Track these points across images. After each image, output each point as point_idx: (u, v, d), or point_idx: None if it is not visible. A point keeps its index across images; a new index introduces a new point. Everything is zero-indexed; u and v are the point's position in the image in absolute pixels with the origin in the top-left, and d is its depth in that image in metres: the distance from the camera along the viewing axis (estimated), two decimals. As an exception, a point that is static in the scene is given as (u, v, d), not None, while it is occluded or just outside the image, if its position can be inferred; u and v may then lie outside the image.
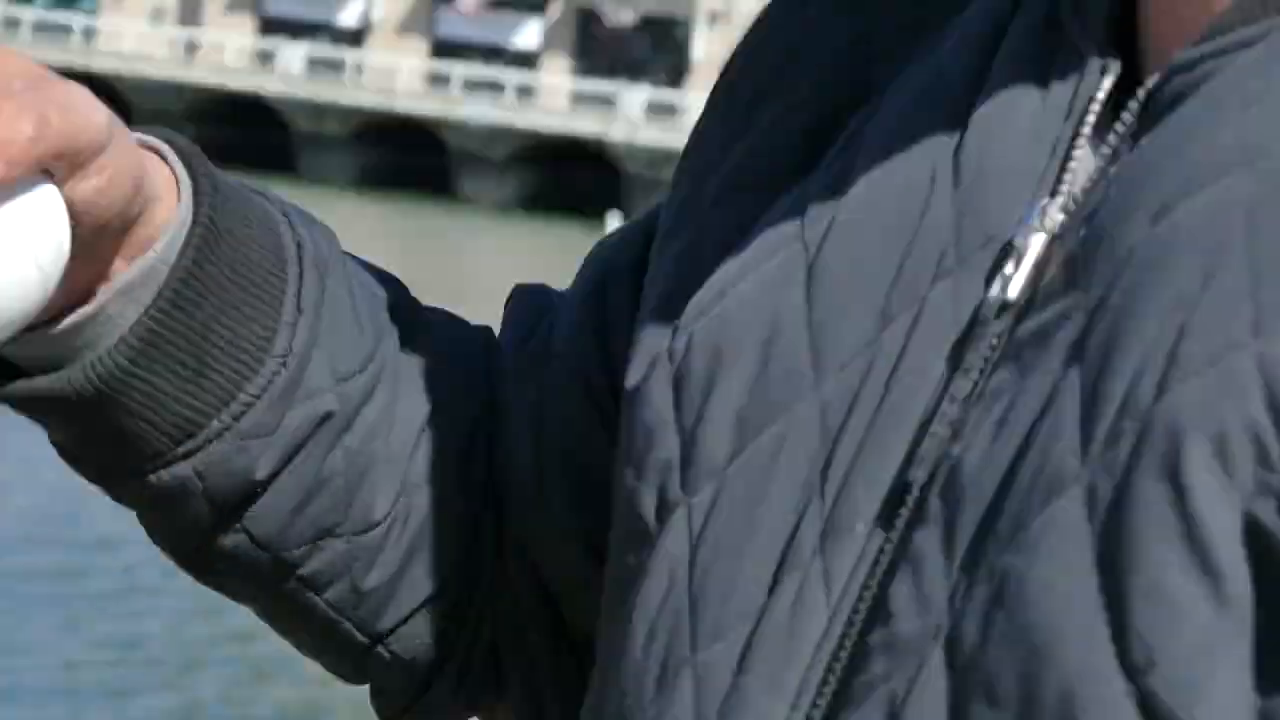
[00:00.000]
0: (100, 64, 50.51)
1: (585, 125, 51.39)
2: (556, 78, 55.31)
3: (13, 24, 53.62)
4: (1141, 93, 0.67)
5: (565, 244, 37.61)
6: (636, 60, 55.27)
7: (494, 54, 55.96)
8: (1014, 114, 0.70)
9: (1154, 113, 0.66)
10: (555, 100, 54.10)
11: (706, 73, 48.86)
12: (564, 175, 50.21)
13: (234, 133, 49.08)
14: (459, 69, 54.26)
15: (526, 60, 55.72)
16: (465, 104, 52.71)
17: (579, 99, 54.10)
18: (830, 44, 0.82)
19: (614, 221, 40.90)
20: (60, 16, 57.06)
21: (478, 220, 47.25)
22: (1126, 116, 0.67)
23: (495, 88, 54.07)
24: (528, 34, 56.80)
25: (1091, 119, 0.68)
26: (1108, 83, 0.68)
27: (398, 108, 52.89)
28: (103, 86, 46.53)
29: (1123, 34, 0.70)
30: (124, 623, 15.81)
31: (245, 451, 0.82)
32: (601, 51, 55.52)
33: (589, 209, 42.67)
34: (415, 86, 54.76)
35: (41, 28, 54.87)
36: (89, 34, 55.53)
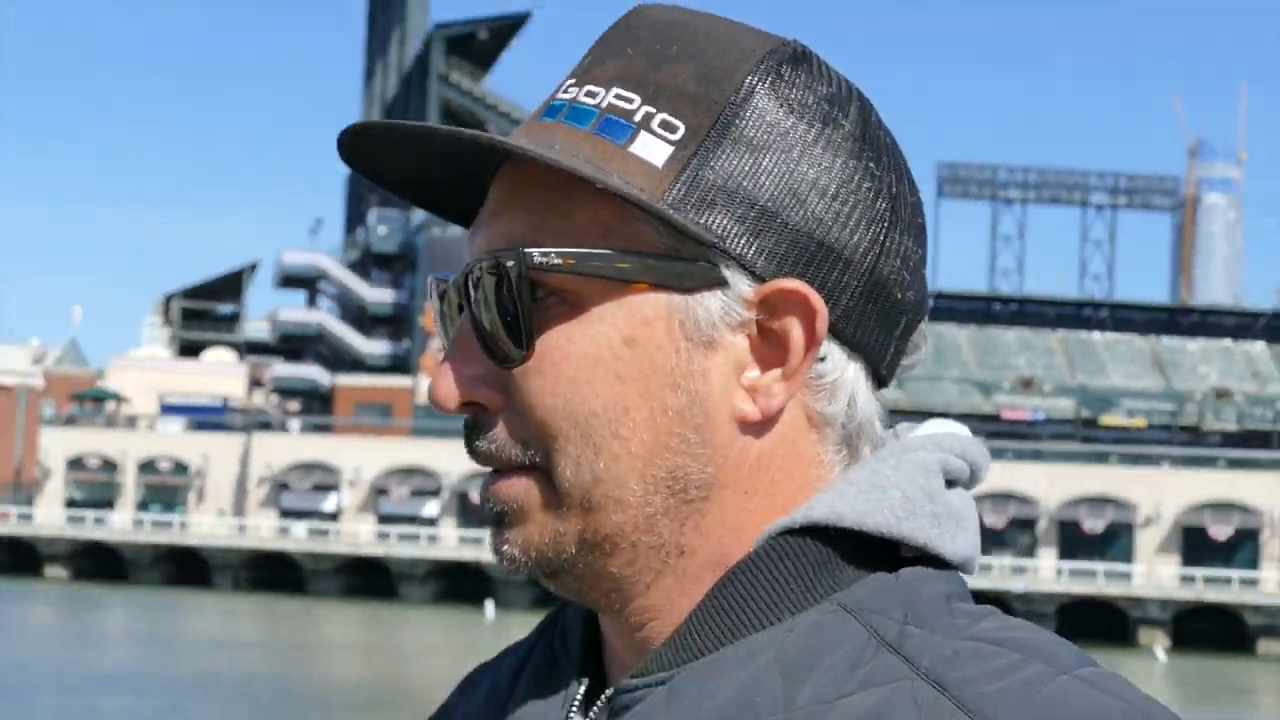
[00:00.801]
0: (189, 540, 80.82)
1: (467, 555, 79.36)
2: (449, 530, 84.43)
3: (139, 523, 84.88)
4: (602, 699, 0.97)
5: (462, 621, 65.35)
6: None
7: (412, 520, 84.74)
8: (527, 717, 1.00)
9: (616, 712, 0.94)
10: (450, 541, 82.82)
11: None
12: (460, 583, 77.44)
13: (266, 575, 78.34)
14: (394, 529, 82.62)
15: (431, 522, 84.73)
16: (399, 546, 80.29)
17: (462, 540, 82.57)
18: None
19: (489, 606, 72.78)
20: (167, 517, 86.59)
21: (410, 610, 73.16)
22: (593, 713, 0.97)
23: (414, 537, 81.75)
24: (431, 507, 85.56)
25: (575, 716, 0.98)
26: (580, 690, 0.99)
27: (362, 552, 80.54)
28: (194, 554, 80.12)
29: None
30: None
31: None
32: (475, 512, 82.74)
33: (475, 601, 69.33)
34: (370, 539, 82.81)
35: (156, 525, 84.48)
36: (184, 525, 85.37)
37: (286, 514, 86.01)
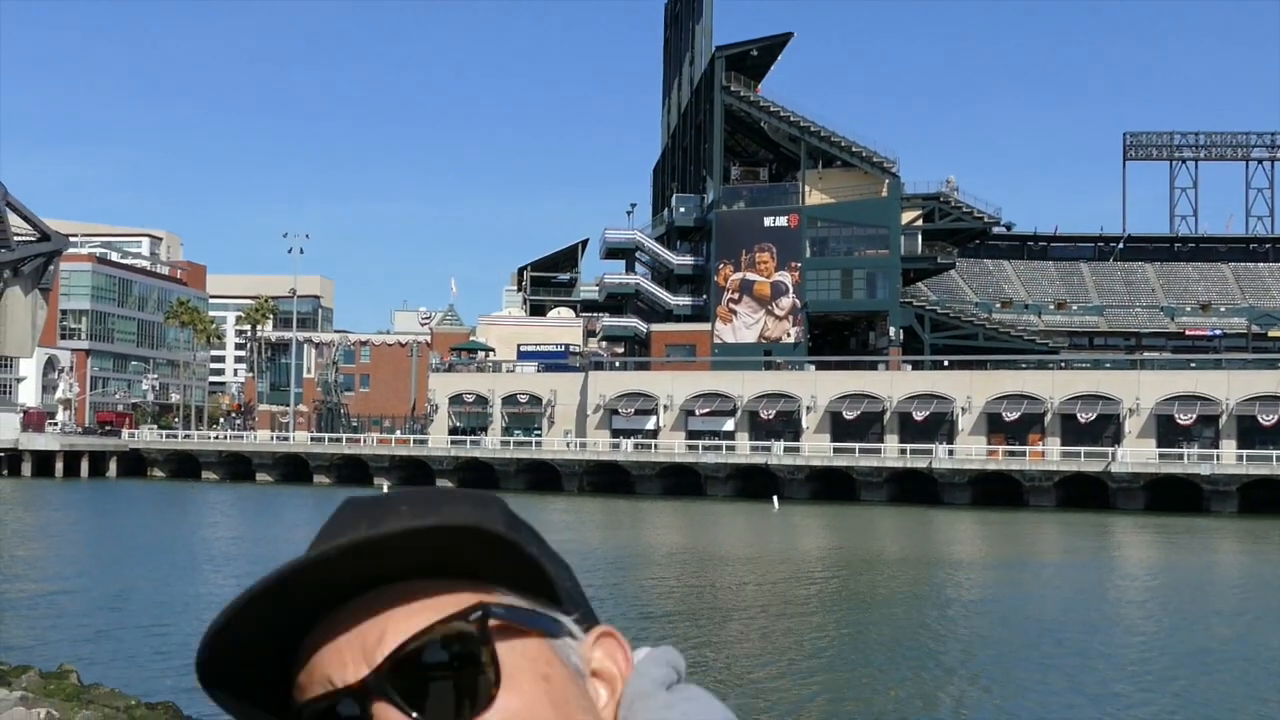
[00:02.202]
0: (543, 455, 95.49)
1: (758, 460, 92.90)
2: (743, 440, 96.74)
3: (505, 444, 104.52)
4: None
5: (755, 512, 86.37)
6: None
7: (714, 434, 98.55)
8: None
9: None
10: (744, 449, 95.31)
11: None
12: (752, 482, 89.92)
13: (603, 480, 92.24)
14: (700, 441, 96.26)
15: (729, 435, 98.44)
16: (705, 455, 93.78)
17: (754, 449, 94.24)
18: None
19: (775, 501, 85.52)
20: (526, 439, 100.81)
21: (715, 505, 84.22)
22: None
23: (716, 447, 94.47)
24: (728, 424, 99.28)
25: None
26: None
27: (676, 459, 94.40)
28: (547, 465, 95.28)
29: None
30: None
31: None
32: (763, 426, 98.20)
33: (764, 497, 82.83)
34: (682, 450, 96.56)
35: (518, 444, 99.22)
36: (538, 444, 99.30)
37: (617, 433, 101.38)
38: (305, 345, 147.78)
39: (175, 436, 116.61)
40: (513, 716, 1.10)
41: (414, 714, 1.08)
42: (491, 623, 1.13)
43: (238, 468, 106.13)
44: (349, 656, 1.12)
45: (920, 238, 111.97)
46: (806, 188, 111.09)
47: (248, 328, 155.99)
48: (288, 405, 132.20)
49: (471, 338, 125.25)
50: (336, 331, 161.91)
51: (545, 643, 1.16)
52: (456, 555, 1.14)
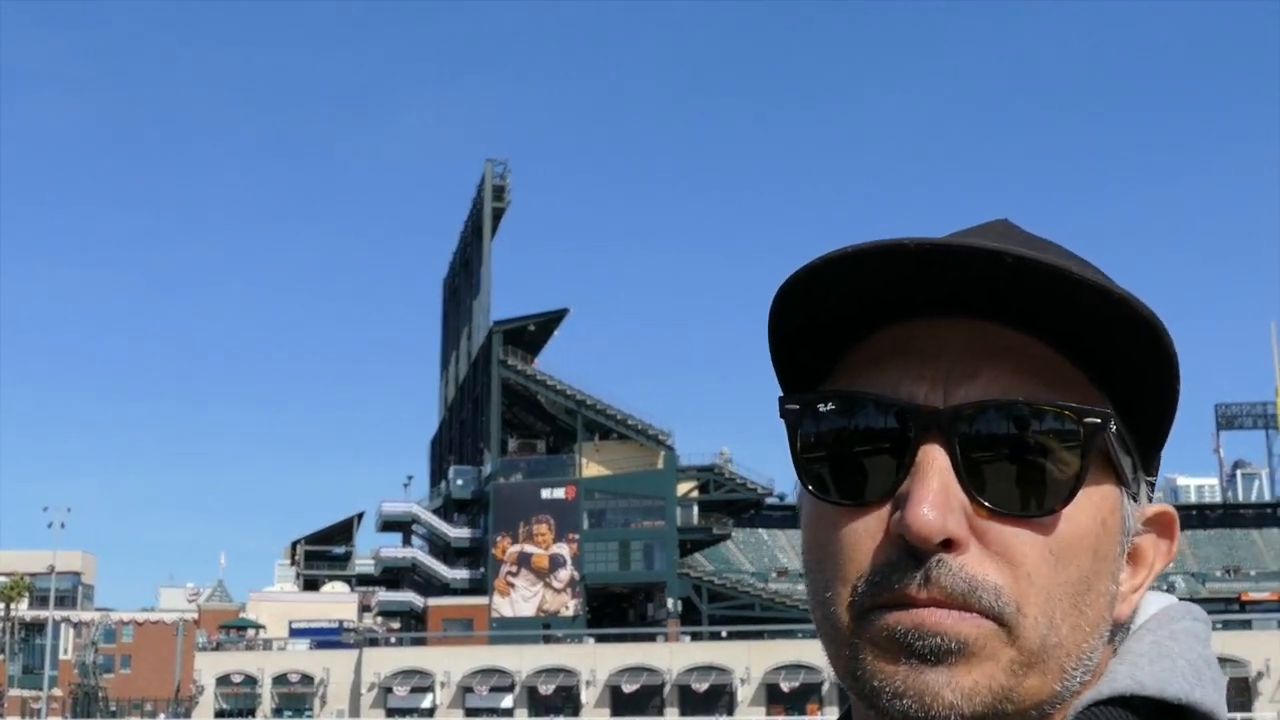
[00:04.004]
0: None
1: None
2: (520, 717, 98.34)
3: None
4: None
5: None
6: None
7: (493, 711, 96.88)
8: None
9: None
10: None
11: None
12: None
13: None
14: None
15: (508, 713, 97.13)
16: None
17: None
18: None
19: None
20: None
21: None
22: None
23: None
24: (507, 700, 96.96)
25: None
26: None
27: None
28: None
29: None
30: None
31: None
32: (541, 703, 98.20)
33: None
34: None
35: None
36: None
37: (392, 712, 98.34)
38: (63, 625, 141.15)
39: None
40: (1061, 539, 0.99)
41: (964, 470, 0.99)
42: (1104, 435, 1.01)
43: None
44: (929, 374, 1.02)
45: (696, 509, 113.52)
46: (584, 460, 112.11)
47: (1, 607, 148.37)
48: (41, 690, 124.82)
49: (241, 614, 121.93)
50: (98, 609, 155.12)
51: (1119, 488, 1.05)
52: (1097, 340, 1.02)
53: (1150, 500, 1.10)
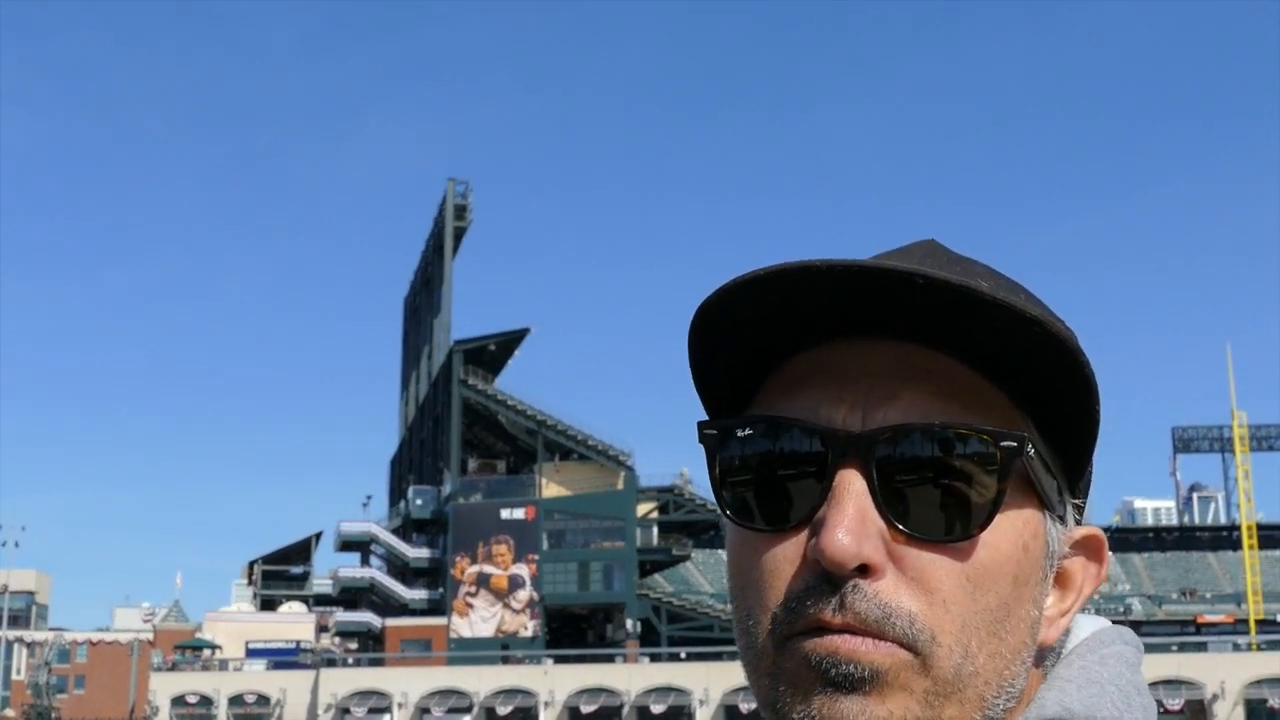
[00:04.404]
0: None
1: None
2: None
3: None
4: None
5: None
6: None
7: None
8: None
9: None
10: None
11: None
12: None
13: None
14: None
15: None
16: None
17: None
18: None
19: None
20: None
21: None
22: None
23: None
24: None
25: None
26: None
27: None
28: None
29: None
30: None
31: None
32: None
33: None
34: None
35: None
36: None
37: None
38: (16, 644, 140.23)
39: None
40: (979, 566, 0.98)
41: (881, 495, 0.98)
42: (1022, 458, 0.99)
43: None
44: (849, 397, 1.02)
45: (656, 529, 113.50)
46: (544, 480, 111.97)
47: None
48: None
49: (197, 634, 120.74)
50: (51, 629, 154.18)
51: (1041, 511, 1.04)
52: (1014, 361, 1.00)
53: (1079, 523, 1.09)
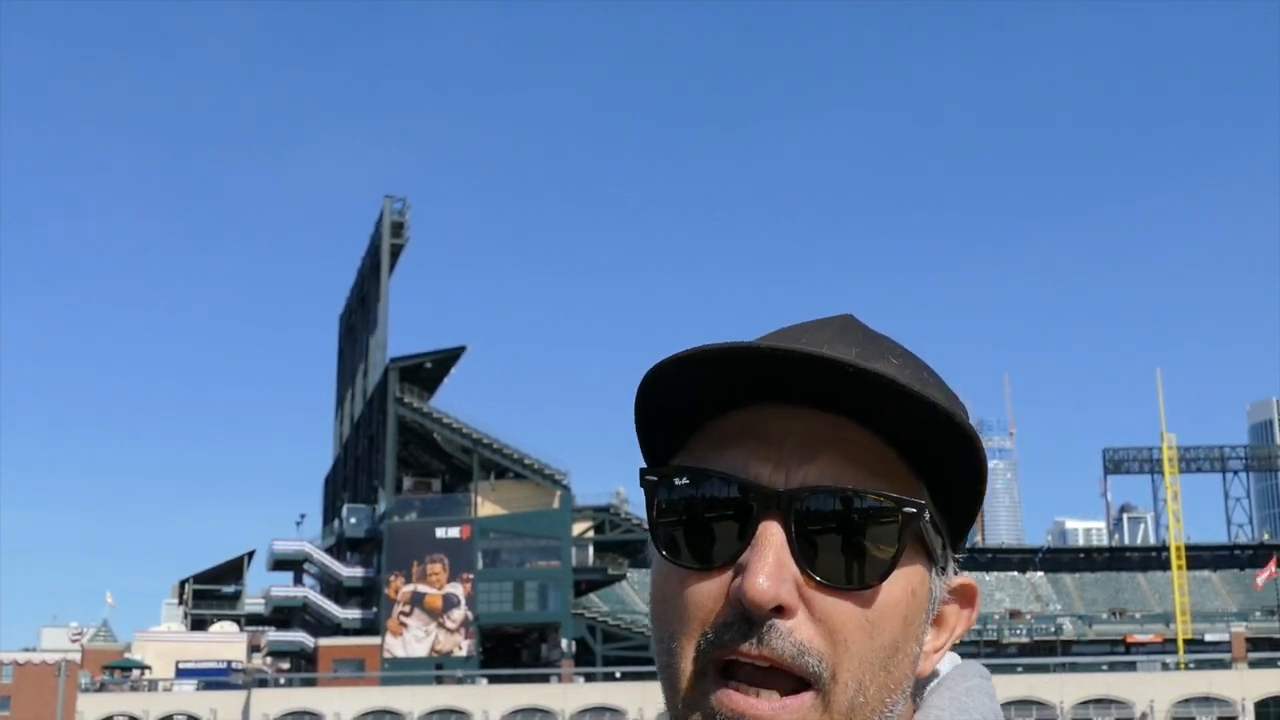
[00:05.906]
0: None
1: None
2: None
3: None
4: None
5: None
6: None
7: None
8: None
9: None
10: None
11: None
12: None
13: None
14: None
15: None
16: None
17: None
18: None
19: None
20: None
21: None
22: None
23: None
24: None
25: None
26: None
27: None
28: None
29: None
30: None
31: None
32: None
33: None
34: None
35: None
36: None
37: None
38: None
39: None
40: (877, 610, 1.17)
41: (796, 545, 1.16)
42: (919, 522, 1.19)
43: None
44: (774, 457, 1.20)
45: (592, 549, 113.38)
46: (479, 499, 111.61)
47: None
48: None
49: (126, 655, 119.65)
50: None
51: (929, 564, 1.25)
52: (916, 438, 1.21)
53: (956, 573, 1.30)
